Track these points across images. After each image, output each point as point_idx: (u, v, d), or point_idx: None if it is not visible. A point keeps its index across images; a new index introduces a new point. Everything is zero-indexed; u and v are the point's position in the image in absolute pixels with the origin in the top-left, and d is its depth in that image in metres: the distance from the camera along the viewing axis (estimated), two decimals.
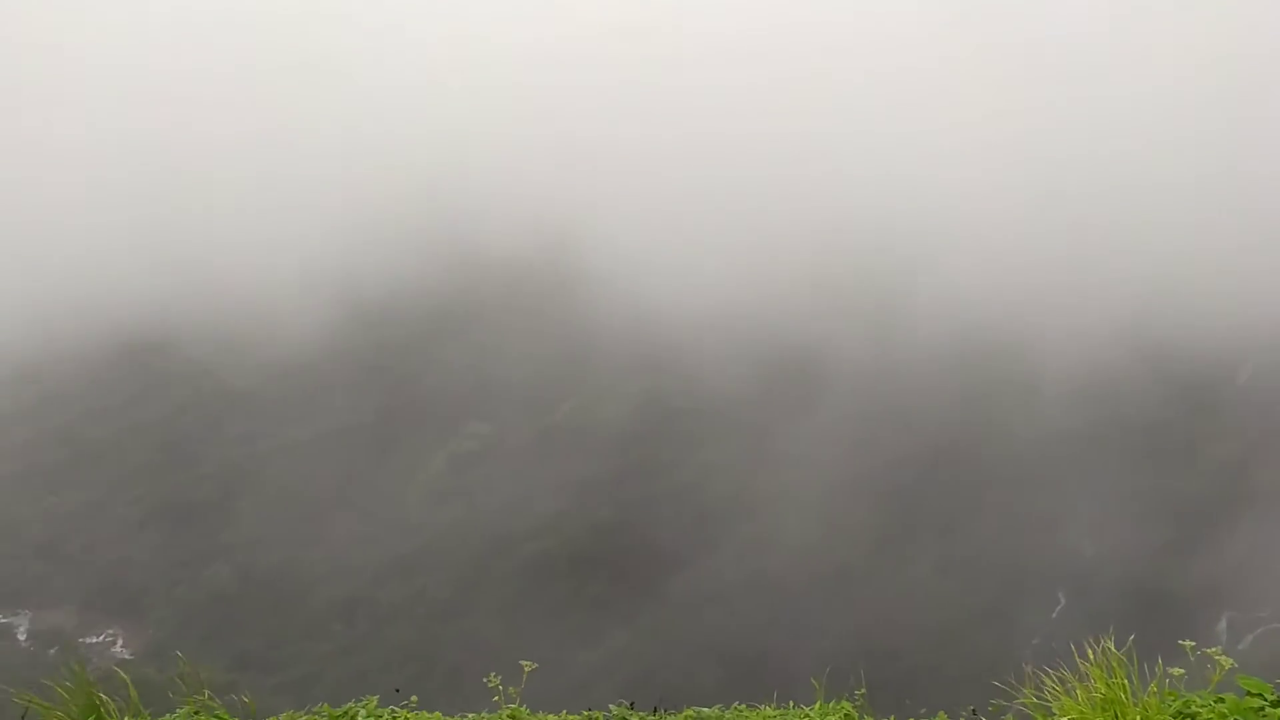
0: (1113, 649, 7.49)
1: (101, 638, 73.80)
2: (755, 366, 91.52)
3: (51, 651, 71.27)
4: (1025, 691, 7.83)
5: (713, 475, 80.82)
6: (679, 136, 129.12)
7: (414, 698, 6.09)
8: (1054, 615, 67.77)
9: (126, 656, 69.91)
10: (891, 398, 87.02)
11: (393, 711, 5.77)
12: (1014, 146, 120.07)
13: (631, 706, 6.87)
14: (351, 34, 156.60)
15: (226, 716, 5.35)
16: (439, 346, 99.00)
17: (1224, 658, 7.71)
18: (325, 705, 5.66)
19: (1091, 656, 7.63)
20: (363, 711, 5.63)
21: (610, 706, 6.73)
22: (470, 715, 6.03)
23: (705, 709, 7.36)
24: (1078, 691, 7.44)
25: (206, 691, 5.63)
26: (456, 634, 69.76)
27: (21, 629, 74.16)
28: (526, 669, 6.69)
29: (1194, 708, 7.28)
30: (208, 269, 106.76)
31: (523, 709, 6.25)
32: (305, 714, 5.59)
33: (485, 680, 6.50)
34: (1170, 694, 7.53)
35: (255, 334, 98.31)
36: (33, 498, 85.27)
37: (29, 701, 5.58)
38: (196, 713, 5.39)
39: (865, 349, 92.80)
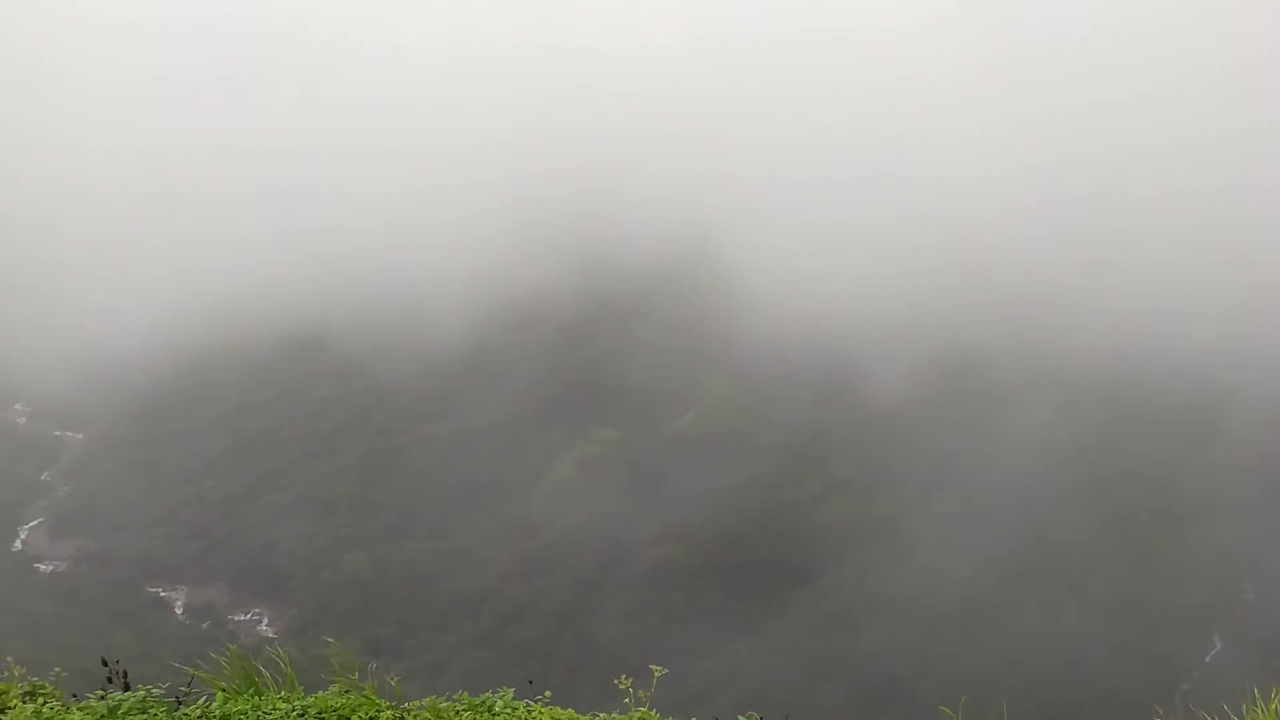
0: None
1: (249, 615, 78.56)
2: (896, 379, 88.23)
3: (204, 625, 76.37)
4: None
5: (843, 490, 78.79)
6: (825, 137, 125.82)
7: (547, 693, 6.16)
8: (1207, 659, 62.93)
9: (270, 634, 74.05)
10: (1050, 420, 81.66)
11: (528, 705, 5.86)
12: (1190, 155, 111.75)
13: None
14: (499, 39, 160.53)
15: (375, 697, 5.56)
16: (571, 351, 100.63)
17: None
18: (464, 694, 5.80)
19: (1262, 709, 7.00)
20: (499, 702, 5.74)
21: (739, 718, 6.64)
22: (601, 715, 6.05)
23: None
24: None
25: (356, 672, 5.86)
26: (577, 635, 70.67)
27: (178, 603, 79.78)
28: (657, 674, 6.65)
29: None
30: (362, 270, 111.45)
31: (653, 713, 6.23)
32: (445, 700, 5.74)
33: (615, 682, 6.50)
34: None
35: (404, 333, 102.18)
36: (191, 482, 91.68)
37: (195, 672, 5.95)
38: (347, 692, 5.61)
39: (1023, 367, 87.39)
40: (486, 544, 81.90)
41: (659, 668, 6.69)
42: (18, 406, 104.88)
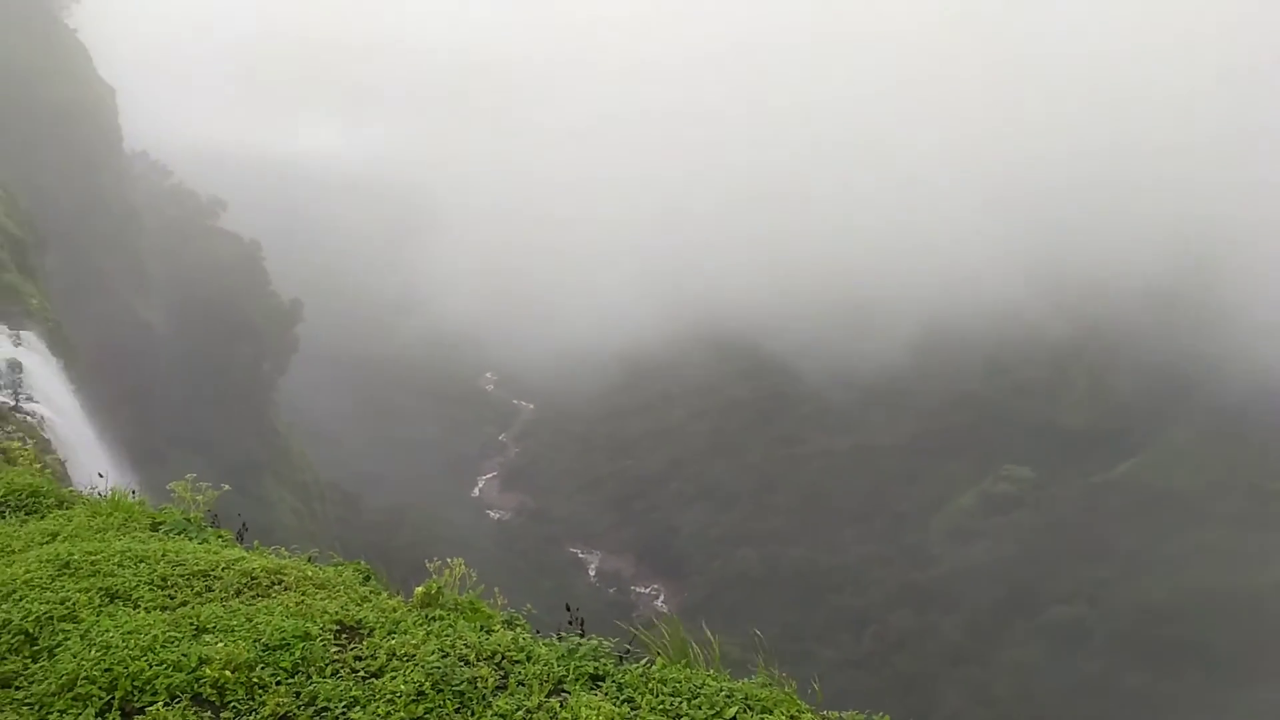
0: None
1: (648, 589, 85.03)
2: None
3: (611, 590, 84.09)
4: None
5: None
6: None
7: None
8: None
9: (664, 610, 79.38)
10: None
11: None
12: None
13: None
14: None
15: (796, 697, 5.61)
16: (994, 377, 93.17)
17: None
18: (886, 716, 5.64)
19: None
20: None
21: None
22: None
23: None
24: None
25: (775, 665, 5.98)
26: (965, 680, 66.35)
27: (592, 566, 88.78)
28: None
29: None
30: (801, 273, 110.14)
31: None
32: (863, 715, 5.64)
33: None
34: None
35: (831, 340, 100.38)
36: (614, 459, 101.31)
37: (637, 632, 6.46)
38: (768, 684, 5.73)
39: None
40: (876, 565, 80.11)
41: None
42: (488, 375, 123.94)
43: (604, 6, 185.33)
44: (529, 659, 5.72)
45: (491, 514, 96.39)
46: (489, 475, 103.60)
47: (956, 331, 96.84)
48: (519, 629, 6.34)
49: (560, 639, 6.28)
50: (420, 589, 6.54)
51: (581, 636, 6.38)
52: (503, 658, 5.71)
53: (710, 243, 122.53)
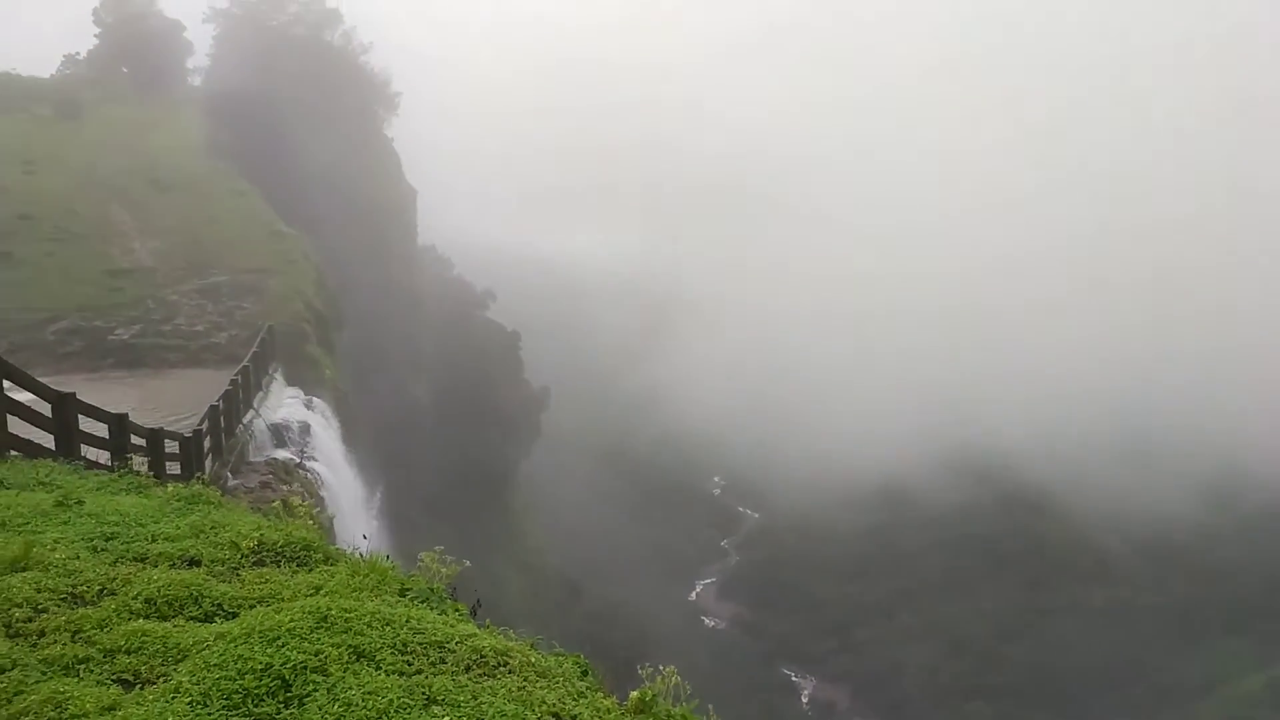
0: None
1: None
2: None
3: None
4: None
5: None
6: None
7: None
8: None
9: None
10: None
11: None
12: None
13: None
14: None
15: None
16: None
17: None
18: None
19: None
20: None
21: None
22: None
23: None
24: None
25: None
26: None
27: (805, 692, 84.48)
28: None
29: None
30: (1085, 400, 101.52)
31: None
32: None
33: None
34: None
35: (1104, 480, 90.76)
36: (839, 582, 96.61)
37: None
38: None
39: None
40: None
41: None
42: (716, 479, 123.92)
43: (885, 117, 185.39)
44: None
45: (706, 621, 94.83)
46: (707, 580, 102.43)
47: (1261, 482, 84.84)
48: None
49: None
50: (635, 694, 6.49)
51: None
52: None
53: (982, 355, 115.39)
